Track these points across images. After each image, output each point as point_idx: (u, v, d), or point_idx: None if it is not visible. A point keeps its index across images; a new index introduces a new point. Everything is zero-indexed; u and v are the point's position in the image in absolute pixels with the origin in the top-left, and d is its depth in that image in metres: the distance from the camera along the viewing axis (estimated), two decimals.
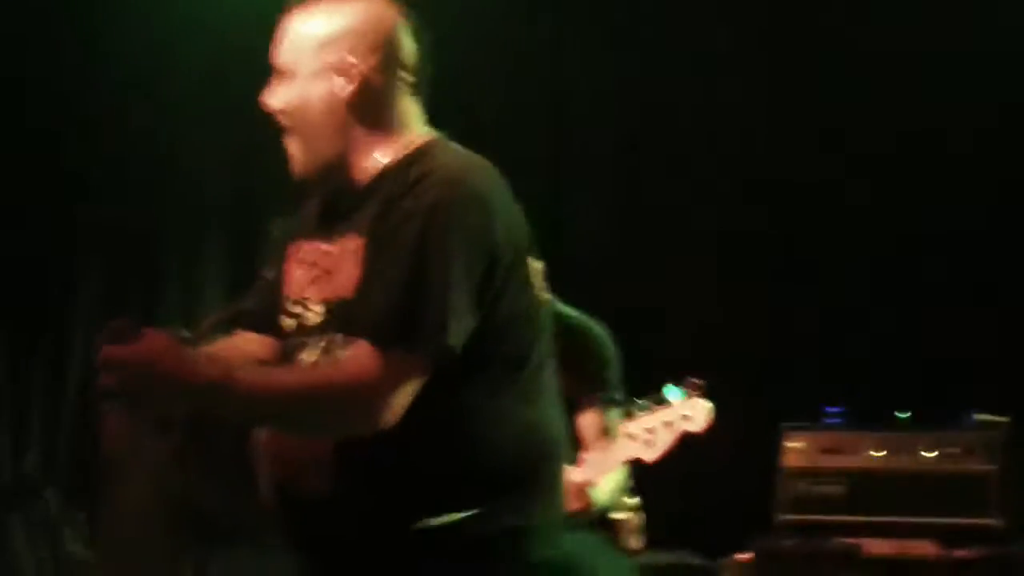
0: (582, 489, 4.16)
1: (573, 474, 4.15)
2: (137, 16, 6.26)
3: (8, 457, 6.28)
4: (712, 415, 4.07)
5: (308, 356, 2.88)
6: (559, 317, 4.48)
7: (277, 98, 2.93)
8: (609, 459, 4.18)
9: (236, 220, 6.43)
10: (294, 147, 2.94)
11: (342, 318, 2.82)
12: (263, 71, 2.94)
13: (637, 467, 4.21)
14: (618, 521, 4.43)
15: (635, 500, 4.49)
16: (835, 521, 5.29)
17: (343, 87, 2.89)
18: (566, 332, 4.44)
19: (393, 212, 2.79)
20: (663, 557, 5.18)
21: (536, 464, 2.87)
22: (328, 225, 2.95)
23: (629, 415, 4.13)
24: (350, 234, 2.87)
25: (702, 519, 5.53)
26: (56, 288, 6.42)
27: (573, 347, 4.38)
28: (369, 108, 2.91)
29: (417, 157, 2.88)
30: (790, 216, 6.03)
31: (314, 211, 3.03)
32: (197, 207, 6.52)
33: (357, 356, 2.72)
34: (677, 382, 4.08)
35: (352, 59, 2.89)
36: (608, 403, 4.43)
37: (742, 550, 5.21)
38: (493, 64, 6.22)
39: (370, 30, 2.91)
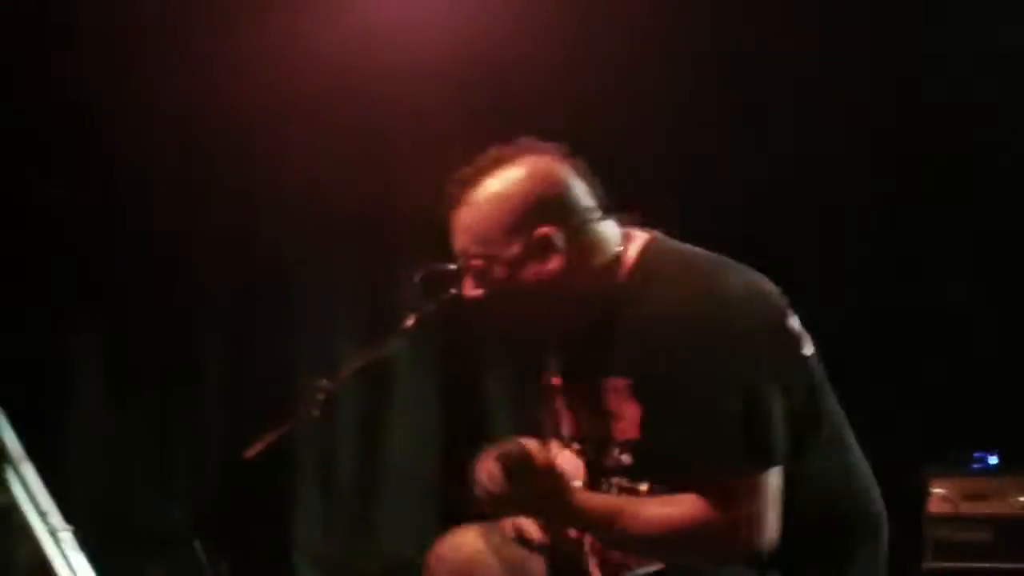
0: None
1: None
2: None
3: (154, 508, 6.39)
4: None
5: (608, 488, 3.05)
6: None
7: (480, 290, 3.06)
8: None
9: (366, 266, 6.51)
10: (514, 328, 3.10)
11: (639, 458, 2.96)
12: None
13: None
14: None
15: None
16: (980, 568, 5.22)
17: (550, 260, 2.97)
18: None
19: (650, 347, 2.88)
20: None
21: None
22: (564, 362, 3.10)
23: None
24: (604, 374, 2.97)
25: None
26: (196, 339, 6.52)
27: None
28: (578, 261, 2.99)
29: (639, 278, 2.98)
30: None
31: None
32: (326, 257, 6.59)
33: (714, 496, 2.87)
34: None
35: (546, 230, 2.96)
36: None
37: None
38: None
39: (548, 193, 2.99)
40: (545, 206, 2.98)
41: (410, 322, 4.09)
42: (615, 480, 3.07)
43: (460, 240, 3.04)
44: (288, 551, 6.46)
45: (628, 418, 2.98)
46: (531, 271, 2.98)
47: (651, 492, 3.01)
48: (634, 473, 3.01)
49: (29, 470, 5.50)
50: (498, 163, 3.02)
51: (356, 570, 6.41)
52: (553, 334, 3.07)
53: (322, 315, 6.62)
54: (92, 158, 6.32)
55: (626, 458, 3.02)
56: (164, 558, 6.33)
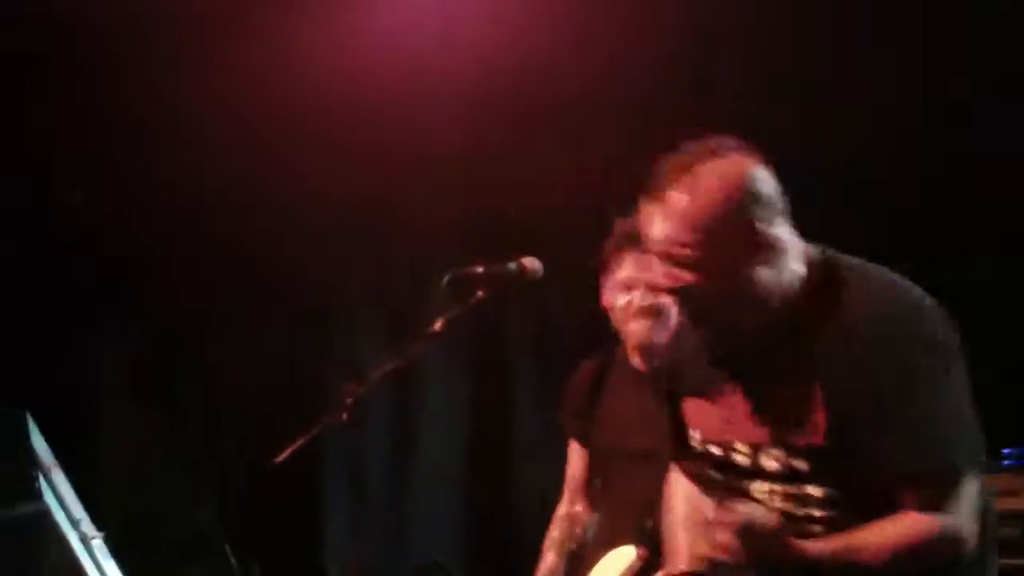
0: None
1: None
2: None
3: (184, 512, 6.42)
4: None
5: (761, 493, 3.08)
6: None
7: (681, 279, 2.97)
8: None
9: (395, 271, 6.55)
10: (708, 321, 3.03)
11: (820, 464, 2.96)
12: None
13: None
14: None
15: None
16: (1009, 565, 5.21)
17: (758, 256, 2.95)
18: None
19: (854, 355, 2.88)
20: None
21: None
22: (732, 367, 3.08)
23: None
24: (789, 379, 2.97)
25: None
26: (227, 347, 6.55)
27: None
28: (777, 262, 2.97)
29: (826, 285, 2.98)
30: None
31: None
32: (356, 263, 6.64)
33: (934, 506, 2.92)
34: None
35: (760, 227, 2.94)
36: None
37: None
38: None
39: (763, 192, 2.97)
40: (760, 204, 2.96)
41: (438, 326, 4.12)
42: (772, 487, 3.10)
43: (669, 227, 2.95)
44: (318, 554, 6.46)
45: (812, 424, 2.97)
46: (738, 265, 2.95)
47: (826, 499, 3.03)
48: (809, 479, 3.02)
49: (60, 478, 5.52)
50: (711, 156, 2.98)
51: (385, 574, 6.43)
52: (743, 333, 3.02)
53: (353, 320, 6.61)
54: (115, 166, 6.33)
55: (800, 464, 3.02)
56: (195, 562, 6.35)
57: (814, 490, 3.03)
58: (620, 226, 4.51)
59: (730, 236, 2.93)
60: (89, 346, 6.40)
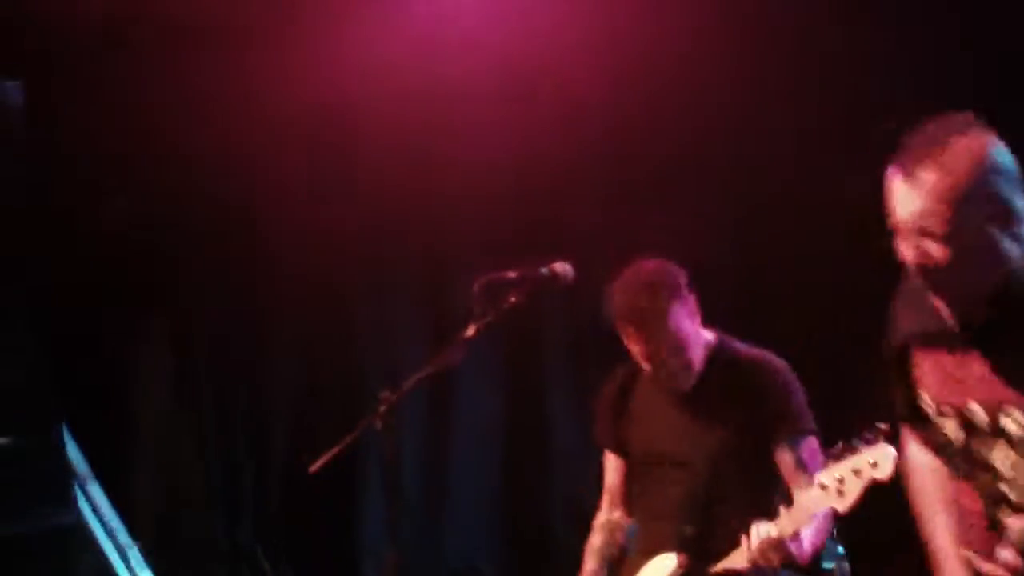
0: (781, 544, 4.21)
1: (770, 529, 4.21)
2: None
3: (218, 519, 6.47)
4: (896, 462, 3.90)
5: (1002, 461, 3.14)
6: (738, 355, 4.63)
7: (939, 254, 3.04)
8: (803, 511, 4.17)
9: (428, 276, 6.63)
10: (944, 298, 3.12)
11: None
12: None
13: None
14: (827, 570, 4.48)
15: (840, 549, 4.55)
16: None
17: (1004, 230, 3.05)
18: (749, 371, 4.59)
19: None
20: None
21: None
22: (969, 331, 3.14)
23: (821, 464, 4.01)
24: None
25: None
26: (268, 352, 6.62)
27: (753, 387, 4.56)
28: (1018, 230, 3.08)
29: None
30: None
31: (933, 319, 3.21)
32: (390, 269, 6.69)
33: None
34: (865, 428, 4.06)
35: (1003, 199, 3.04)
36: (800, 437, 4.52)
37: None
38: None
39: (1011, 167, 3.07)
40: (1003, 177, 3.06)
41: (470, 332, 4.16)
42: (1014, 455, 3.13)
43: (921, 203, 3.05)
44: (353, 558, 6.49)
45: None
46: (984, 235, 3.06)
47: None
48: None
49: (96, 488, 5.55)
50: (954, 133, 3.08)
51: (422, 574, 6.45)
52: (983, 298, 3.11)
53: (387, 326, 6.59)
54: (153, 177, 6.40)
55: None
56: (230, 567, 6.39)
57: None
58: (613, 295, 4.55)
59: (978, 208, 3.02)
60: (126, 352, 6.42)
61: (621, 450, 4.77)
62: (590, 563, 4.79)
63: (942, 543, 3.31)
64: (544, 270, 4.23)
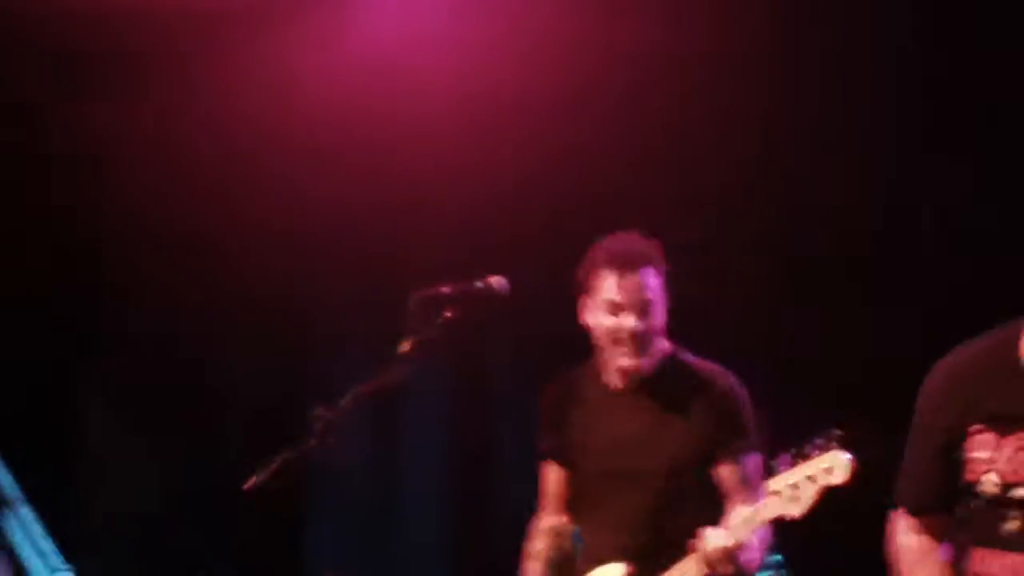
0: (731, 553, 4.18)
1: (720, 538, 4.19)
2: None
3: (168, 536, 6.40)
4: (852, 468, 3.95)
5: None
6: (692, 368, 4.58)
7: None
8: (756, 519, 4.16)
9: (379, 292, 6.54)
10: None
11: None
12: None
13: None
14: None
15: (779, 558, 4.58)
16: None
17: None
18: (702, 384, 4.54)
19: None
20: None
21: None
22: None
23: (770, 471, 4.07)
24: None
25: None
26: (216, 370, 6.56)
27: (705, 399, 4.50)
28: None
29: None
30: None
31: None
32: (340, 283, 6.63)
33: None
34: (818, 434, 4.01)
35: None
36: (745, 453, 4.47)
37: None
38: None
39: None
40: None
41: (407, 347, 4.11)
42: None
43: None
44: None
45: None
46: None
47: None
48: None
49: (27, 512, 5.47)
50: None
51: None
52: None
53: (341, 342, 6.54)
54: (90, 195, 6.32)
55: None
56: None
57: None
58: (597, 247, 4.52)
59: None
60: (72, 371, 6.38)
61: (565, 458, 4.71)
62: (534, 566, 4.73)
63: None
64: (479, 284, 4.21)
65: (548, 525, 4.75)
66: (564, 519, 4.73)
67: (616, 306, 4.44)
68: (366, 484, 6.49)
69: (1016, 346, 3.27)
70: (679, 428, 4.49)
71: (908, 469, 3.50)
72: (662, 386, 4.53)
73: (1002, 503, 3.24)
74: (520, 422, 5.85)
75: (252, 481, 4.17)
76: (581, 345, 4.58)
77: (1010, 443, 3.23)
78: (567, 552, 4.69)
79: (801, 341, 6.03)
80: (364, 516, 6.48)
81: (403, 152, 6.43)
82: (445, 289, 4.17)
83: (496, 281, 4.23)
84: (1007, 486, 3.22)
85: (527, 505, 4.81)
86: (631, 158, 6.25)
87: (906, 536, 3.49)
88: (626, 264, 4.42)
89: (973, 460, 3.28)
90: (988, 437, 3.27)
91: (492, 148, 6.34)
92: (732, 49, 6.13)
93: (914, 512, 3.49)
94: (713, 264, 6.07)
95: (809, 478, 3.97)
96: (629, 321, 4.43)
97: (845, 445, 3.96)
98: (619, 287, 4.43)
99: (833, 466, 3.95)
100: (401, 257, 6.43)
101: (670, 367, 4.55)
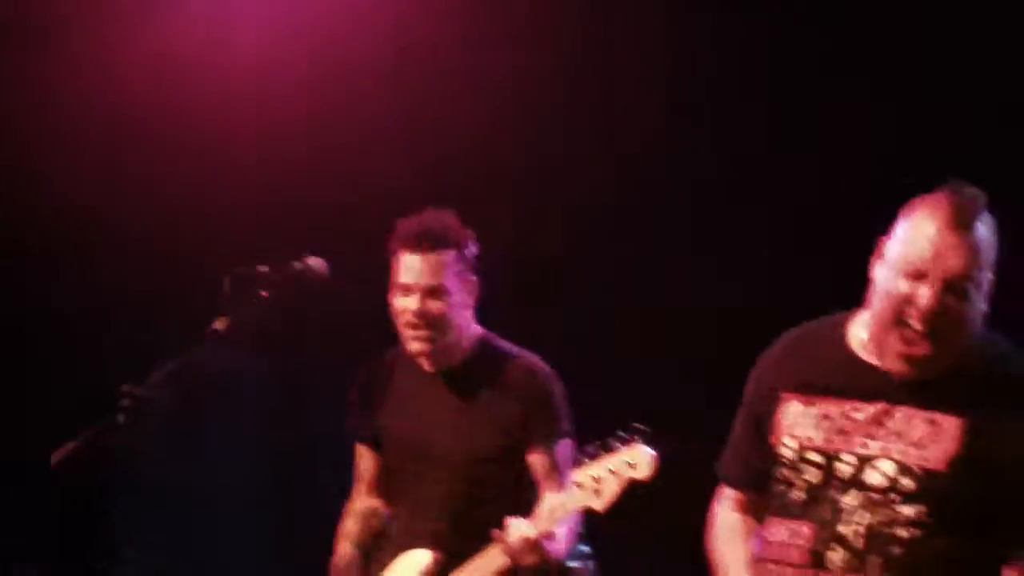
0: (537, 543, 4.18)
1: (526, 529, 4.19)
2: None
3: None
4: (656, 463, 3.96)
5: (850, 504, 3.21)
6: (503, 354, 4.58)
7: (952, 312, 3.16)
8: (559, 510, 4.17)
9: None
10: (933, 348, 3.18)
11: (929, 490, 3.15)
12: None
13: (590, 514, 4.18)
14: (573, 570, 4.46)
15: (587, 549, 4.55)
16: None
17: (985, 306, 3.24)
18: (513, 372, 4.54)
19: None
20: None
21: None
22: (874, 389, 3.24)
23: (577, 462, 4.07)
24: (933, 408, 3.18)
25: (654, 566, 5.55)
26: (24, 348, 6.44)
27: (516, 386, 4.51)
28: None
29: (989, 344, 3.26)
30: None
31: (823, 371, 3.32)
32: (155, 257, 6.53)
33: None
34: (623, 429, 4.00)
35: (991, 274, 3.24)
36: (556, 441, 4.49)
37: None
38: None
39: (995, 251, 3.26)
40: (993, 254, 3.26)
41: (219, 325, 4.06)
42: (864, 500, 3.20)
43: (963, 262, 3.18)
44: (99, 560, 6.31)
45: (939, 451, 3.17)
46: (981, 299, 3.23)
47: (916, 521, 3.16)
48: (909, 500, 3.16)
49: None
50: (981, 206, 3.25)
51: None
52: (946, 358, 3.23)
53: (149, 318, 6.40)
54: None
55: (908, 483, 3.18)
56: None
57: (908, 510, 3.17)
58: (399, 225, 4.49)
59: (987, 280, 3.23)
60: None
61: (376, 441, 4.70)
62: (345, 547, 4.71)
63: None
64: (297, 264, 4.15)
65: (360, 507, 4.73)
66: (376, 502, 4.72)
67: (406, 287, 4.42)
68: (174, 463, 6.39)
69: (844, 327, 3.36)
70: (487, 414, 4.49)
71: (731, 441, 3.53)
72: (472, 372, 4.53)
73: (795, 469, 3.28)
74: (335, 405, 5.83)
75: (57, 456, 4.09)
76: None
77: (814, 411, 3.29)
78: (379, 535, 4.67)
79: (609, 335, 6.09)
80: (171, 497, 6.39)
81: (221, 131, 6.35)
82: (262, 268, 4.14)
83: (314, 262, 4.20)
84: (802, 451, 3.28)
85: (341, 488, 4.79)
86: (451, 137, 6.23)
87: (723, 512, 3.52)
88: (417, 244, 4.40)
89: (778, 425, 3.34)
90: (796, 404, 3.32)
91: (311, 130, 6.31)
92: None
93: (732, 484, 3.51)
94: (524, 247, 6.11)
95: (612, 472, 3.98)
96: (414, 303, 4.41)
97: (650, 440, 3.98)
98: (409, 268, 4.41)
99: (636, 461, 3.96)
100: (219, 235, 6.34)
101: (481, 353, 4.55)
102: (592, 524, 4.33)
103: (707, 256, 5.98)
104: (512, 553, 4.20)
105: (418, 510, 4.54)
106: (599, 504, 4.04)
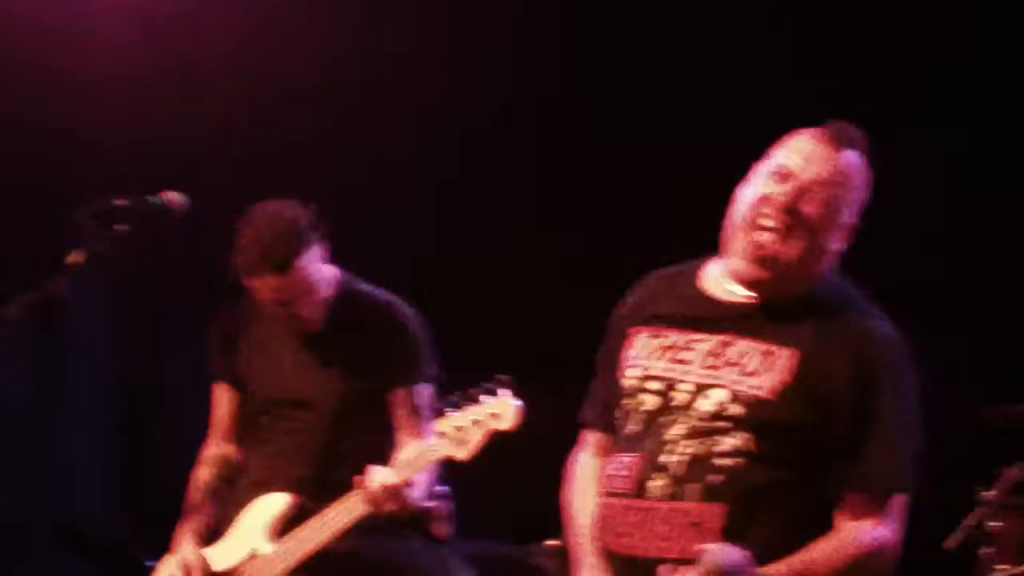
0: (397, 491, 4.18)
1: (386, 476, 4.18)
2: None
3: None
4: (521, 413, 4.00)
5: (675, 433, 3.18)
6: (364, 297, 4.55)
7: (806, 212, 3.17)
8: (422, 459, 4.18)
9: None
10: (782, 248, 3.18)
11: (756, 417, 3.14)
12: None
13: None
14: (428, 509, 4.45)
15: (444, 488, 4.54)
16: None
17: (840, 244, 3.26)
18: (373, 314, 4.52)
19: (865, 349, 3.17)
20: (473, 546, 5.09)
21: None
22: (717, 321, 3.24)
23: (440, 412, 4.09)
24: (771, 341, 3.18)
25: (512, 509, 5.55)
26: None
27: (378, 329, 4.49)
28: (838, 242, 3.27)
29: (836, 288, 3.27)
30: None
31: (675, 302, 3.32)
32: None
33: (887, 519, 3.17)
34: (488, 379, 4.03)
35: (855, 222, 3.26)
36: (418, 384, 4.47)
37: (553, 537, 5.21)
38: None
39: (867, 196, 3.28)
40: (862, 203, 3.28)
41: (76, 258, 3.94)
42: (690, 429, 3.17)
43: (829, 173, 3.21)
44: None
45: (771, 381, 3.16)
46: (832, 243, 3.24)
47: (738, 451, 3.13)
48: (736, 427, 3.14)
49: None
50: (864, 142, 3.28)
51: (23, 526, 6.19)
52: (789, 286, 3.24)
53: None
54: None
55: (737, 410, 3.16)
56: None
57: (732, 440, 3.14)
58: (245, 238, 4.41)
59: (847, 209, 3.23)
60: None
61: (237, 384, 4.65)
62: (197, 496, 4.66)
63: (584, 541, 3.34)
64: (155, 199, 4.02)
65: (214, 453, 4.69)
66: (231, 447, 4.68)
67: (277, 302, 4.41)
68: (27, 400, 6.23)
69: (700, 267, 3.36)
70: (348, 359, 4.47)
71: (593, 385, 3.50)
72: (334, 316, 4.50)
73: (634, 398, 3.28)
74: (192, 346, 5.76)
75: None
76: None
77: (658, 342, 3.29)
78: (231, 482, 4.63)
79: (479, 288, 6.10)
80: (23, 434, 6.23)
81: (84, 60, 6.21)
82: (118, 201, 3.99)
83: (175, 197, 4.04)
84: (643, 380, 3.27)
85: (197, 432, 4.73)
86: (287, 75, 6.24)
87: (581, 457, 3.49)
88: (271, 270, 4.35)
89: (625, 360, 3.33)
90: (643, 337, 3.32)
91: (172, 61, 6.25)
92: None
93: (590, 426, 3.49)
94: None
95: (476, 422, 4.01)
96: (292, 309, 4.42)
97: (515, 392, 4.00)
98: (276, 288, 4.38)
99: (501, 412, 3.99)
100: (74, 170, 6.21)
101: (345, 298, 4.52)
102: (451, 465, 4.32)
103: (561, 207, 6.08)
104: (372, 500, 4.19)
105: (278, 454, 4.50)
106: (462, 454, 4.06)
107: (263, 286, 4.40)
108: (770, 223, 3.16)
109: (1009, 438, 5.14)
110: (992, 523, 4.83)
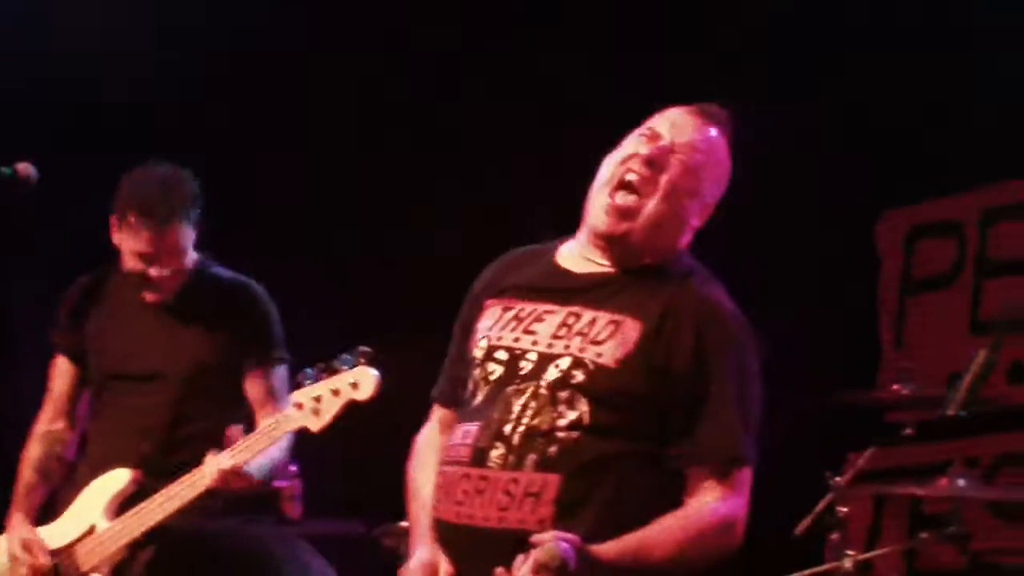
0: (237, 472, 4.14)
1: (223, 461, 4.14)
2: None
3: None
4: (378, 384, 3.95)
5: (522, 403, 3.15)
6: (218, 275, 4.52)
7: (670, 172, 3.19)
8: (268, 435, 4.14)
9: None
10: (640, 203, 3.19)
11: (596, 385, 3.11)
12: None
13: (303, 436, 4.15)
14: (278, 488, 4.48)
15: (294, 468, 4.58)
16: None
17: (697, 220, 3.28)
18: (227, 291, 4.49)
19: (704, 320, 3.17)
20: (322, 526, 5.08)
21: None
22: (569, 293, 3.23)
23: (297, 384, 4.04)
24: (620, 312, 3.16)
25: (363, 490, 5.49)
26: None
27: (231, 308, 4.45)
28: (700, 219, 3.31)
29: (686, 265, 3.27)
30: None
31: (529, 273, 3.32)
32: None
33: (730, 492, 3.13)
34: (347, 350, 3.97)
35: (718, 192, 3.29)
36: (273, 364, 4.44)
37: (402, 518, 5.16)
38: None
39: (727, 180, 3.31)
40: (723, 188, 3.31)
41: None
42: (532, 398, 3.13)
43: (696, 141, 3.24)
44: None
45: (613, 350, 3.14)
46: (688, 218, 3.26)
47: (577, 423, 3.10)
48: (579, 395, 3.12)
49: None
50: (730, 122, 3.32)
51: None
52: (641, 250, 3.25)
53: None
54: None
55: (579, 375, 3.13)
56: None
57: (571, 412, 3.11)
58: (128, 187, 4.40)
59: (711, 184, 3.26)
60: None
61: (77, 358, 4.57)
62: (27, 474, 4.55)
63: (424, 515, 3.30)
64: (6, 170, 3.94)
65: (45, 430, 4.59)
66: (63, 423, 4.59)
67: (145, 256, 4.36)
68: None
69: (557, 244, 3.36)
70: (200, 335, 4.43)
71: (446, 360, 3.46)
72: (187, 294, 4.46)
73: (482, 367, 3.25)
74: (39, 318, 5.64)
75: None
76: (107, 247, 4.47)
77: (510, 313, 3.27)
78: (63, 459, 4.55)
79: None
80: None
81: None
82: None
83: (25, 168, 3.96)
84: (491, 350, 3.24)
85: (33, 407, 4.62)
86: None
87: (426, 430, 3.44)
88: (152, 217, 4.32)
89: (476, 332, 3.30)
90: (495, 308, 3.30)
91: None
92: None
93: (439, 401, 3.44)
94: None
95: (333, 392, 3.97)
96: (153, 271, 4.37)
97: (373, 362, 3.95)
98: (148, 241, 4.33)
99: (359, 381, 3.95)
100: None
101: (196, 277, 4.47)
102: (300, 443, 4.30)
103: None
104: (215, 484, 4.14)
105: (122, 430, 4.42)
106: (316, 424, 4.03)
107: (137, 237, 4.34)
108: (633, 177, 3.17)
109: (859, 424, 5.21)
110: (841, 508, 4.84)
